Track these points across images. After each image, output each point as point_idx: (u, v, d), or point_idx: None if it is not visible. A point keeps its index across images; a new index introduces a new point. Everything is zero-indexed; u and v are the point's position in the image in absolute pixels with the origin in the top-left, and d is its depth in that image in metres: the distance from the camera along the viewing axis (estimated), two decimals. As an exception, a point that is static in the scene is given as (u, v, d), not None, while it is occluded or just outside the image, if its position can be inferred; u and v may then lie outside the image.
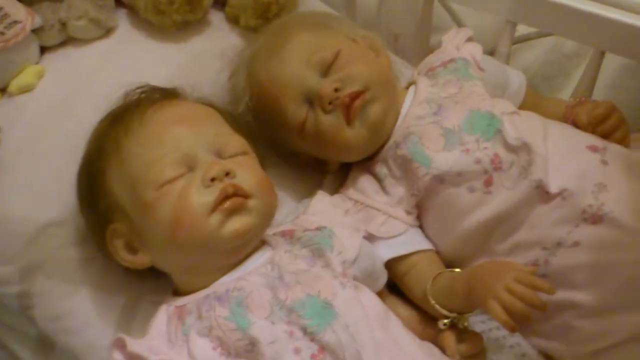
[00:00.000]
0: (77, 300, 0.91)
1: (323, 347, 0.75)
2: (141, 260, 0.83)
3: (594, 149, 0.89)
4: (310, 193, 0.95)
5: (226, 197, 0.77)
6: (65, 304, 0.91)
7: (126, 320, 0.91)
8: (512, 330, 0.75)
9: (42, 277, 0.90)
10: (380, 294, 0.87)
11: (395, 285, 0.95)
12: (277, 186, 0.98)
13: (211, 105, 0.89)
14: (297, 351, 0.74)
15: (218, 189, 0.77)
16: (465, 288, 0.82)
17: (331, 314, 0.76)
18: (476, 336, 0.87)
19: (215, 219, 0.77)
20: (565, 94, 1.21)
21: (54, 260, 0.91)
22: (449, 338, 0.86)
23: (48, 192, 0.91)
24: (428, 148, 0.90)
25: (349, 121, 0.90)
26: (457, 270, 0.89)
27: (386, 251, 0.92)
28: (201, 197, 0.77)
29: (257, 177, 0.82)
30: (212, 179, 0.78)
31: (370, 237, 0.92)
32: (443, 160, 0.89)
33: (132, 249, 0.83)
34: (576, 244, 0.84)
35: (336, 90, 0.90)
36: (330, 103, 0.90)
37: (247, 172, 0.81)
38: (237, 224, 0.78)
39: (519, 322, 0.75)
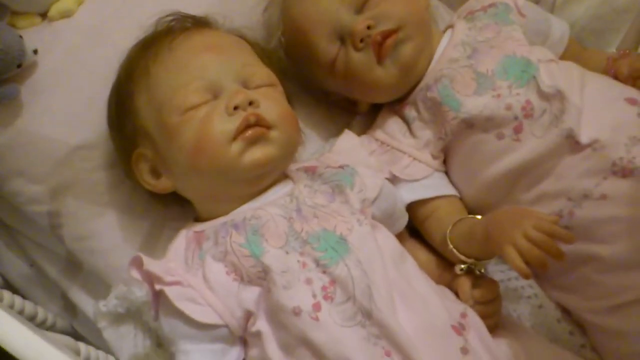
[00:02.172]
0: (104, 223, 0.94)
1: (334, 280, 0.75)
2: (164, 184, 0.84)
3: (632, 101, 0.86)
4: (338, 133, 0.95)
5: (248, 126, 0.78)
6: (93, 225, 0.94)
7: (150, 245, 0.93)
8: (527, 277, 0.74)
9: (72, 198, 0.93)
10: (400, 237, 0.87)
11: (416, 230, 0.95)
12: (306, 124, 0.99)
13: (242, 36, 0.89)
14: (308, 282, 0.75)
15: (240, 117, 0.77)
16: (484, 234, 0.81)
17: (345, 248, 0.77)
18: (492, 283, 0.86)
19: (236, 147, 0.77)
20: (613, 50, 1.16)
21: (84, 182, 0.93)
22: (464, 283, 0.85)
23: (80, 116, 0.93)
24: (459, 92, 0.89)
25: (379, 60, 0.89)
26: (479, 217, 0.87)
27: (409, 194, 0.91)
28: (223, 124, 0.77)
29: (281, 109, 0.82)
30: (236, 107, 0.78)
31: (393, 179, 0.91)
32: (473, 105, 0.87)
33: (156, 173, 0.85)
34: (603, 196, 0.82)
35: (369, 27, 0.89)
36: (361, 40, 0.89)
37: (272, 103, 0.81)
38: (257, 153, 0.78)
39: (535, 270, 0.74)
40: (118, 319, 0.94)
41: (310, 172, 0.86)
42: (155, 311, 0.79)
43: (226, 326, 0.76)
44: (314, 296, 0.74)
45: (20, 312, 0.91)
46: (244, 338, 0.79)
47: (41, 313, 0.96)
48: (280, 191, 0.83)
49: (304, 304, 0.74)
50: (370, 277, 0.75)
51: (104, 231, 0.94)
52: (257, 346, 0.78)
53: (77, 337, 1.03)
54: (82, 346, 0.85)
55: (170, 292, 0.76)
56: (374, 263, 0.77)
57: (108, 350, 0.94)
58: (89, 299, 0.99)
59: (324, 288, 0.75)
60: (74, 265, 0.99)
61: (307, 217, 0.79)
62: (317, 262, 0.76)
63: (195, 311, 0.75)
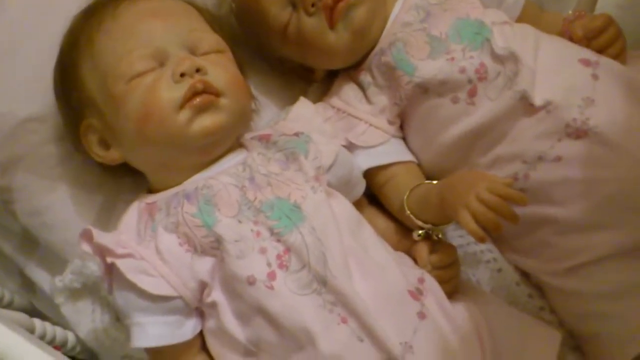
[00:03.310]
0: (56, 197, 0.92)
1: (288, 248, 0.74)
2: (113, 155, 0.83)
3: (586, 62, 0.85)
4: (294, 101, 0.93)
5: (195, 94, 0.76)
6: (45, 200, 0.92)
7: (104, 218, 0.92)
8: (481, 240, 0.73)
9: (22, 172, 0.91)
10: (358, 204, 0.86)
11: (374, 197, 0.94)
12: (260, 92, 0.98)
13: (190, 2, 0.87)
14: (262, 251, 0.74)
15: (187, 85, 0.76)
16: (439, 198, 0.81)
17: (299, 216, 0.76)
18: (449, 247, 0.86)
19: (184, 115, 0.76)
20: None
21: (33, 156, 0.91)
22: (422, 248, 0.85)
23: (28, 88, 0.90)
24: (413, 56, 0.88)
25: (331, 25, 0.87)
26: (435, 182, 0.87)
27: (365, 160, 0.90)
28: (170, 92, 0.76)
29: (229, 75, 0.80)
30: (182, 75, 0.76)
31: (350, 146, 0.90)
32: (427, 69, 0.86)
33: (105, 144, 0.83)
34: (558, 158, 0.82)
35: None
36: (313, 5, 0.87)
37: (220, 69, 0.79)
38: (206, 121, 0.77)
39: (489, 233, 0.74)
40: (75, 294, 0.93)
41: (264, 140, 0.85)
42: (108, 284, 0.78)
43: (180, 297, 0.75)
44: (269, 265, 0.74)
45: (-27, 291, 0.90)
46: (200, 309, 0.79)
47: (-3, 293, 0.95)
48: (233, 160, 0.82)
49: (259, 273, 0.73)
50: (325, 244, 0.75)
51: (57, 206, 0.92)
52: (213, 317, 0.77)
53: (37, 314, 1.03)
54: (37, 323, 0.84)
55: (122, 264, 0.74)
56: (328, 230, 0.76)
57: (66, 326, 0.93)
58: (46, 275, 0.98)
59: (278, 257, 0.74)
60: (29, 241, 0.97)
61: (260, 185, 0.78)
62: (271, 231, 0.75)
63: (147, 283, 0.74)
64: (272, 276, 0.73)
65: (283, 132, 0.86)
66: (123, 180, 0.91)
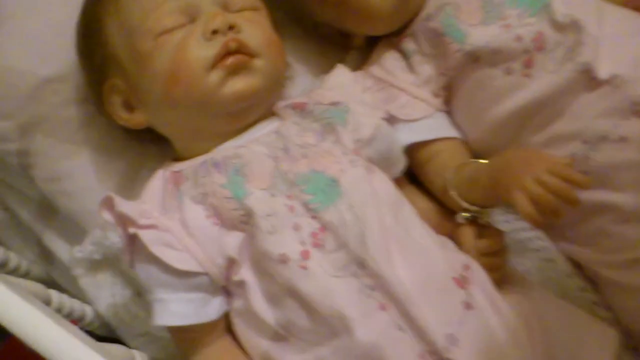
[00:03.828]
0: (77, 163, 0.87)
1: (324, 226, 0.69)
2: (138, 119, 0.77)
3: (656, 32, 0.77)
4: (329, 69, 0.86)
5: (228, 53, 0.70)
6: (65, 166, 0.87)
7: (126, 186, 0.86)
8: (537, 225, 0.67)
9: (42, 136, 0.86)
10: (397, 183, 0.80)
11: (414, 175, 0.87)
12: (295, 58, 0.92)
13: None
14: (296, 227, 0.69)
15: (220, 43, 0.70)
16: (490, 178, 0.74)
17: (336, 192, 0.70)
18: (497, 233, 0.79)
19: (215, 76, 0.70)
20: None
21: (54, 118, 0.86)
22: (467, 232, 0.78)
23: (49, 45, 0.85)
24: (463, 21, 0.80)
25: (376, -16, 0.80)
26: (483, 161, 0.80)
27: (407, 135, 0.83)
28: (201, 51, 0.70)
29: (265, 35, 0.74)
30: (214, 32, 0.70)
31: (391, 119, 0.83)
32: (479, 36, 0.79)
33: (129, 107, 0.77)
34: (623, 139, 0.74)
35: None
36: None
37: (255, 28, 0.73)
38: (239, 84, 0.71)
39: (546, 218, 0.66)
40: (95, 266, 0.88)
41: (299, 108, 0.79)
42: (129, 257, 0.73)
43: (206, 274, 0.70)
44: (303, 243, 0.68)
45: (-11, 259, 0.85)
46: (227, 288, 0.73)
47: (13, 260, 0.90)
48: (265, 128, 0.76)
49: (291, 251, 0.67)
50: (364, 223, 0.69)
51: (77, 172, 0.87)
52: (241, 297, 0.71)
53: (55, 286, 0.98)
54: (53, 295, 0.79)
55: (145, 236, 0.69)
56: (368, 208, 0.70)
57: (85, 299, 0.88)
58: (65, 245, 0.93)
59: (313, 234, 0.68)
60: (48, 209, 0.93)
61: (295, 156, 0.72)
62: (306, 206, 0.69)
63: (172, 257, 0.69)
64: (305, 255, 0.68)
65: (319, 101, 0.79)
66: (148, 146, 0.86)
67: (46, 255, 0.96)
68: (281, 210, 0.69)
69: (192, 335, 0.73)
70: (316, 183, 0.70)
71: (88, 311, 0.87)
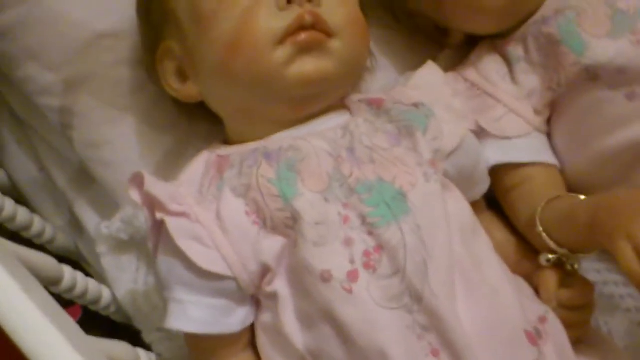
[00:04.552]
0: (120, 131, 0.78)
1: (381, 245, 0.57)
2: (189, 90, 0.67)
3: None
4: (417, 67, 0.74)
5: (302, 28, 0.59)
6: (107, 132, 0.78)
7: (168, 164, 0.77)
8: (637, 284, 0.54)
9: (87, 95, 0.78)
10: (474, 207, 0.67)
11: (495, 201, 0.75)
12: (380, 49, 0.81)
13: None
14: (347, 242, 0.58)
15: (294, 15, 0.59)
16: (589, 219, 0.61)
17: (402, 207, 0.59)
18: (585, 284, 0.66)
19: (282, 53, 0.59)
20: None
21: (103, 77, 0.77)
22: (549, 278, 0.66)
23: (109, -3, 0.76)
24: (586, 30, 0.67)
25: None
26: (582, 197, 0.67)
27: (496, 154, 0.71)
28: (270, 21, 0.59)
29: (349, 13, 0.63)
30: (290, 1, 0.59)
31: (480, 132, 0.71)
32: (603, 49, 0.66)
33: (182, 76, 0.68)
34: None
35: None
36: None
37: (338, 3, 0.62)
38: (308, 66, 0.60)
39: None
40: (120, 246, 0.79)
41: (375, 105, 0.67)
42: (153, 245, 0.63)
43: (235, 279, 0.60)
44: (352, 262, 0.57)
45: (10, 221, 0.78)
46: (256, 298, 0.63)
47: (38, 224, 0.83)
48: (332, 121, 0.65)
49: (337, 268, 0.57)
50: (429, 249, 0.57)
51: (119, 141, 0.78)
52: (271, 311, 0.61)
53: (81, 258, 0.91)
54: (66, 271, 0.70)
55: (173, 224, 0.59)
56: (437, 232, 0.58)
57: (103, 279, 0.80)
58: (95, 216, 0.84)
59: (366, 253, 0.57)
60: (84, 176, 0.84)
61: (361, 159, 0.61)
62: (364, 219, 0.58)
63: (198, 254, 0.59)
64: (353, 276, 0.57)
65: (399, 100, 0.68)
66: (198, 124, 0.76)
67: (76, 225, 0.88)
68: (333, 219, 0.58)
69: (209, 345, 0.63)
70: (380, 194, 0.59)
71: (105, 294, 0.78)
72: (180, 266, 0.60)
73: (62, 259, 0.85)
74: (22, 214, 0.80)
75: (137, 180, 0.61)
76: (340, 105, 0.68)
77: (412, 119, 0.65)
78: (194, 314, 0.60)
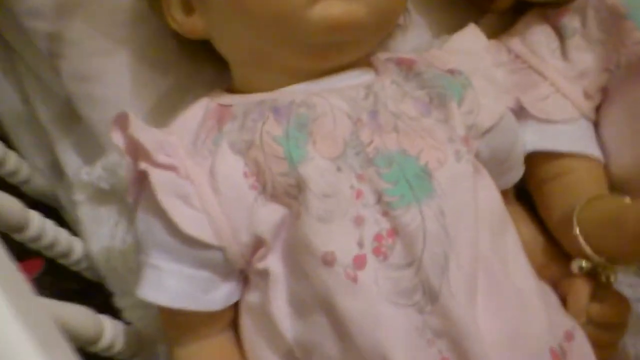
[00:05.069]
0: (113, 65, 0.69)
1: (396, 230, 0.49)
2: (194, 24, 0.58)
3: None
4: (456, 30, 0.65)
5: (331, -37, 0.50)
6: (98, 65, 0.69)
7: (164, 110, 0.68)
8: None
9: (80, 22, 0.68)
10: (502, 196, 0.58)
11: (524, 193, 0.66)
12: (415, 7, 0.71)
13: None
14: (357, 221, 0.49)
15: None
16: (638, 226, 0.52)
17: (426, 187, 0.50)
18: (620, 300, 0.58)
19: None
20: None
21: (101, 2, 0.68)
22: (580, 289, 0.58)
23: None
24: None
25: None
26: (628, 199, 0.58)
27: (535, 138, 0.62)
28: None
29: None
30: None
31: (519, 112, 0.62)
32: None
33: (188, 7, 0.58)
34: None
35: None
36: None
37: None
38: (336, 8, 0.50)
39: None
40: (100, 196, 0.70)
41: (405, 66, 0.58)
42: (133, 199, 0.55)
43: (222, 250, 0.51)
44: (360, 245, 0.49)
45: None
46: (244, 274, 0.55)
47: (12, 161, 0.74)
48: (354, 79, 0.56)
49: (343, 251, 0.48)
50: (453, 241, 0.49)
51: (111, 76, 0.69)
52: (259, 291, 0.53)
53: (58, 204, 0.82)
54: (34, 218, 0.62)
55: (157, 177, 0.51)
56: (463, 222, 0.50)
57: (77, 231, 0.72)
58: (77, 160, 0.76)
59: (377, 237, 0.49)
60: (71, 115, 0.75)
61: (383, 126, 0.52)
62: (379, 197, 0.50)
63: (183, 215, 0.50)
64: (360, 262, 0.48)
65: (433, 64, 0.59)
66: (202, 66, 0.67)
67: (56, 168, 0.80)
68: (344, 192, 0.50)
69: (184, 320, 0.55)
70: (402, 169, 0.50)
71: (77, 247, 0.69)
72: (161, 228, 0.51)
73: (37, 204, 0.77)
74: (-8, 149, 0.71)
75: (122, 122, 0.52)
76: (365, 62, 0.58)
77: (447, 87, 0.56)
78: (171, 284, 0.52)
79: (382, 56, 0.60)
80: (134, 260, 0.67)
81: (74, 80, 0.70)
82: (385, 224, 0.49)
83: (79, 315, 0.52)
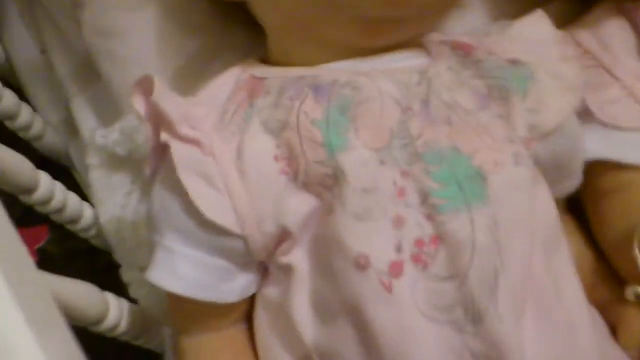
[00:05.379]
0: (138, 22, 0.63)
1: (441, 237, 0.43)
2: None
3: None
4: (517, 17, 0.58)
5: None
6: (122, 20, 0.63)
7: (189, 75, 0.62)
8: None
9: (106, -31, 0.63)
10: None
11: (576, 203, 0.60)
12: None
13: None
14: (397, 222, 0.43)
15: None
16: None
17: (478, 192, 0.44)
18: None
19: None
20: None
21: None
22: (634, 319, 0.52)
23: None
24: None
25: None
26: None
27: (599, 145, 0.55)
28: None
29: None
30: None
31: (585, 115, 0.55)
32: None
33: None
34: None
35: None
36: None
37: None
38: None
39: None
40: (114, 162, 0.65)
41: (462, 51, 0.52)
42: (151, 171, 0.49)
43: (243, 239, 0.46)
44: (399, 250, 0.43)
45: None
46: (264, 266, 0.49)
47: (25, 115, 0.69)
48: (406, 61, 0.50)
49: (379, 255, 0.43)
50: (505, 257, 0.43)
51: (134, 34, 0.63)
52: (280, 287, 0.48)
53: (71, 164, 0.78)
54: (42, 179, 0.57)
55: (179, 151, 0.45)
56: (518, 236, 0.44)
57: (87, 195, 0.67)
58: (93, 120, 0.71)
59: (419, 243, 0.43)
60: (90, 71, 0.70)
61: (435, 117, 0.46)
62: (425, 198, 0.44)
63: (204, 197, 0.45)
64: (397, 269, 0.43)
65: (493, 51, 0.53)
66: (234, 32, 0.61)
67: (71, 125, 0.75)
68: (386, 189, 0.44)
69: (193, 310, 0.50)
70: (452, 168, 0.45)
71: (86, 213, 0.65)
72: (179, 207, 0.46)
73: (46, 162, 0.73)
74: (8, 99, 0.66)
75: (145, 86, 0.47)
76: (417, 43, 0.52)
77: (509, 79, 0.49)
78: (185, 270, 0.47)
79: (435, 38, 0.54)
80: (146, 234, 0.63)
81: (95, 34, 0.65)
82: (428, 229, 0.44)
83: (81, 291, 0.47)
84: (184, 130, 0.46)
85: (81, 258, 0.75)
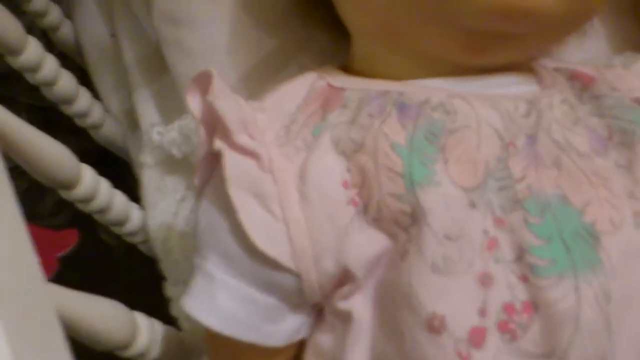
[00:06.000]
0: (213, 12, 0.58)
1: (536, 304, 0.35)
2: None
3: None
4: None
5: None
6: (195, 8, 0.58)
7: (259, 76, 0.57)
8: None
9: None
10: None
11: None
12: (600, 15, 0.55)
13: None
14: (484, 280, 0.36)
15: None
16: None
17: (589, 256, 0.36)
18: None
19: None
20: None
21: None
22: None
23: None
24: None
25: None
26: None
27: None
28: None
29: None
30: None
31: None
32: None
33: None
34: None
35: None
36: None
37: None
38: None
39: None
40: (169, 162, 0.60)
41: (580, 83, 0.44)
42: (200, 181, 0.43)
43: (297, 275, 0.39)
44: (482, 314, 0.35)
45: (49, 85, 0.60)
46: (319, 308, 0.42)
47: (82, 101, 0.65)
48: (513, 87, 0.42)
49: (457, 318, 0.35)
50: (616, 338, 0.35)
51: (205, 25, 0.57)
52: (336, 335, 0.41)
53: (129, 159, 0.73)
54: (86, 173, 0.52)
55: (233, 163, 0.39)
56: (632, 314, 0.36)
57: (136, 195, 0.62)
58: (155, 114, 0.66)
59: (508, 308, 0.35)
60: (157, 61, 0.65)
61: (542, 158, 0.38)
62: (521, 254, 0.36)
63: (256, 221, 0.38)
64: (477, 337, 0.35)
65: (615, 86, 0.44)
66: (314, 33, 0.55)
67: (131, 117, 0.70)
68: (474, 238, 0.36)
69: (235, 349, 0.43)
70: (557, 221, 0.36)
71: (134, 217, 0.59)
72: (225, 228, 0.40)
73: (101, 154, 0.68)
74: (65, 81, 0.62)
75: (203, 82, 0.40)
76: (527, 67, 0.44)
77: (635, 122, 0.41)
78: (224, 302, 0.40)
79: (549, 63, 0.46)
80: (194, 245, 0.57)
81: (164, 20, 0.60)
82: (521, 293, 0.35)
83: (104, 312, 0.41)
84: (241, 138, 0.39)
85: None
